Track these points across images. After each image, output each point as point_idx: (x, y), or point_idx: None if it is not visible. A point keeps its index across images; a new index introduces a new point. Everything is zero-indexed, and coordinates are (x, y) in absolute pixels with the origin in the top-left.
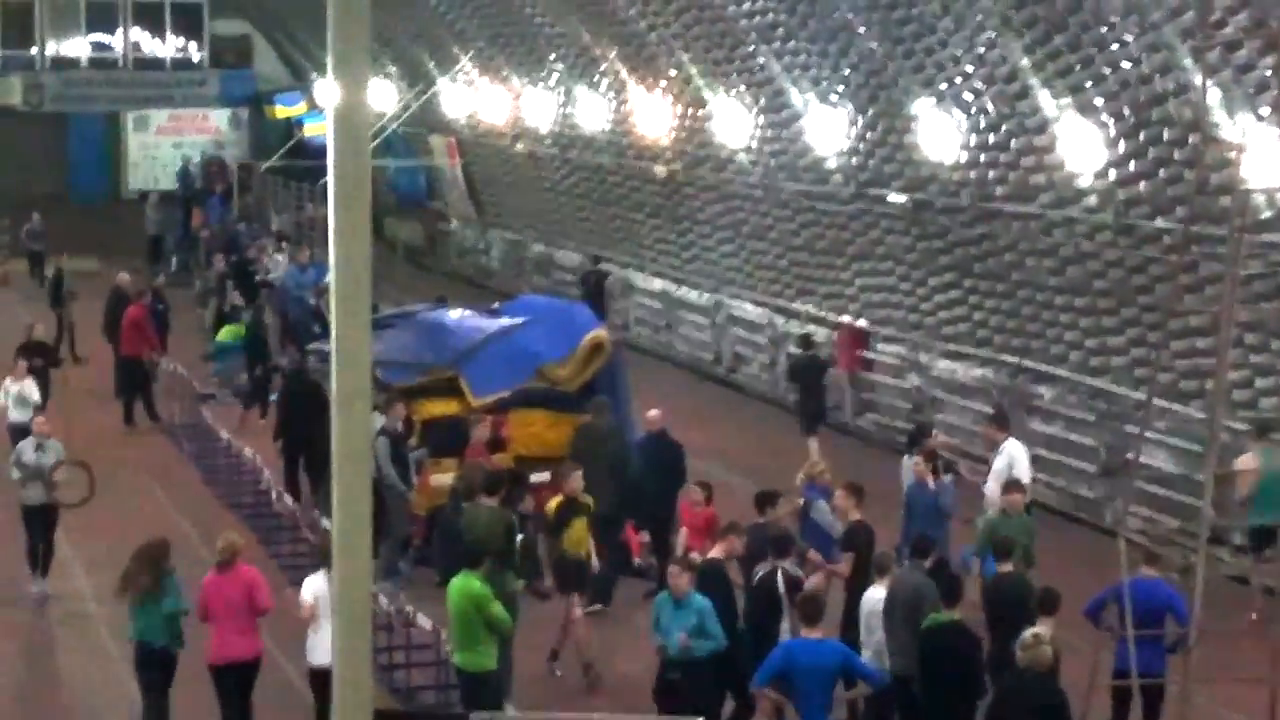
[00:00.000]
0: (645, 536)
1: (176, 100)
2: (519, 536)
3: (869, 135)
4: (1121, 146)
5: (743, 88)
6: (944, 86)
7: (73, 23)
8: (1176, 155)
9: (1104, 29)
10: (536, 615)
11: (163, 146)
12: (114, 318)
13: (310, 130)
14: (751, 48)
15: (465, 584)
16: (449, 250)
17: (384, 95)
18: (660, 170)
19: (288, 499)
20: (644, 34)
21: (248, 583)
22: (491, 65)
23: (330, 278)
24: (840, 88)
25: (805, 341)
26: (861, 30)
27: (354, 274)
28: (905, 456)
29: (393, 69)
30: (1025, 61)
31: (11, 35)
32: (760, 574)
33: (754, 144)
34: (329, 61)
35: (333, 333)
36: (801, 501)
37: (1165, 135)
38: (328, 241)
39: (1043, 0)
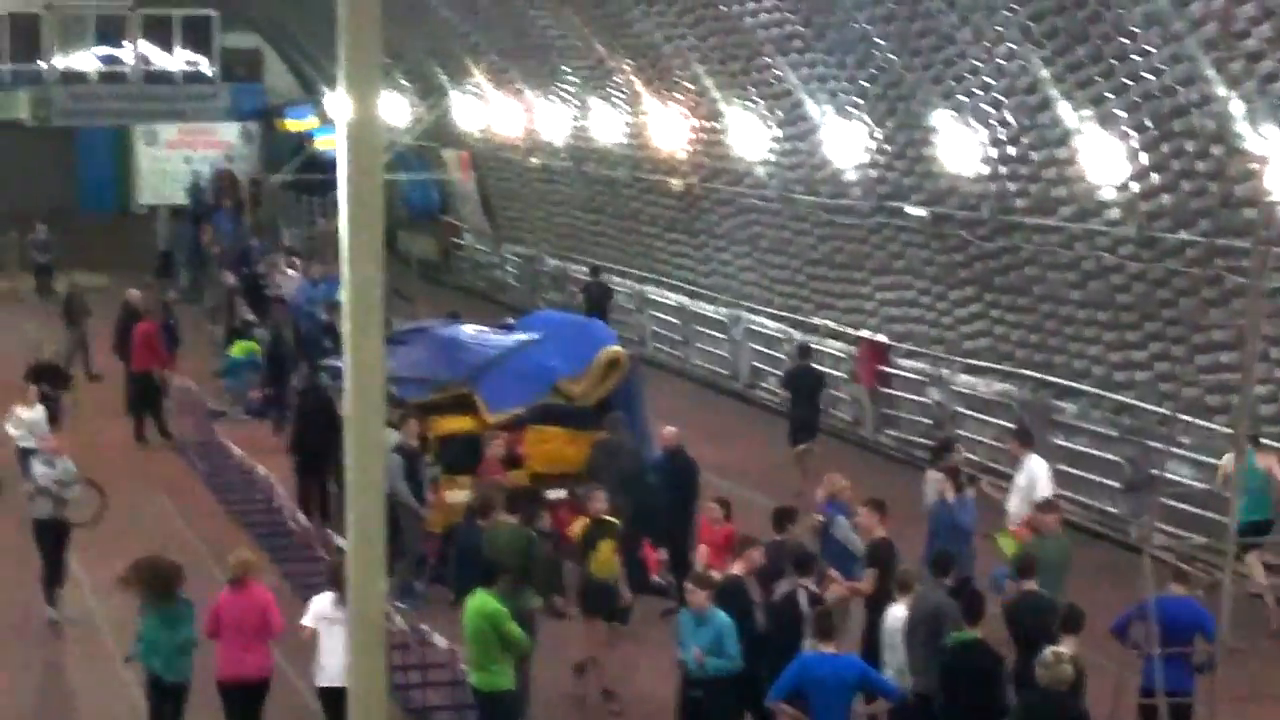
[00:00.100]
0: (663, 554)
1: (186, 114)
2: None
3: (888, 148)
4: (1144, 159)
5: (759, 100)
6: (964, 98)
7: (81, 36)
8: (1200, 167)
9: (1126, 40)
10: (555, 634)
11: (173, 161)
12: (124, 334)
13: (322, 144)
14: (768, 59)
15: (481, 602)
16: (463, 265)
17: (396, 109)
18: (676, 183)
19: (301, 517)
20: (659, 45)
21: (261, 603)
22: (504, 78)
23: (342, 293)
24: (858, 100)
25: (802, 351)
26: (879, 41)
27: (366, 289)
28: (929, 470)
29: (405, 82)
30: (1046, 73)
31: (19, 49)
32: (783, 592)
33: (771, 157)
34: (340, 75)
35: (345, 348)
36: (821, 519)
37: (1188, 147)
38: (339, 256)
39: (1063, 10)
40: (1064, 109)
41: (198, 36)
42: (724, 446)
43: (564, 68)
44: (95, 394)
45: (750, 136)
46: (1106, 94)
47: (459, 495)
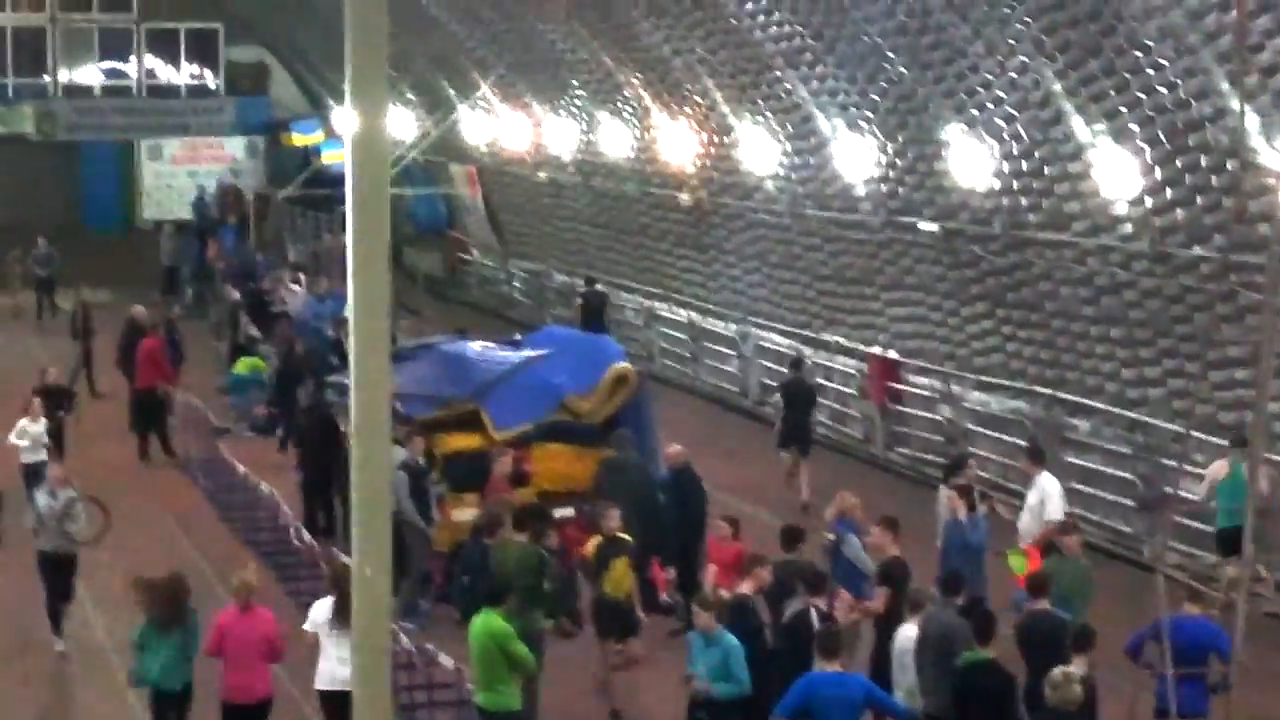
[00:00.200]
0: (671, 573)
1: (191, 128)
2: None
3: (899, 162)
4: (1158, 173)
5: (769, 114)
6: (975, 112)
7: (85, 50)
8: (1214, 182)
9: (1139, 53)
10: (563, 654)
11: (178, 175)
12: (129, 350)
13: (328, 158)
14: (778, 73)
15: (487, 621)
16: (469, 280)
17: (403, 123)
18: (685, 198)
19: (306, 535)
20: (668, 59)
21: (265, 628)
22: (512, 92)
23: (348, 309)
24: (869, 114)
25: (794, 364)
26: (891, 55)
27: (372, 305)
28: (941, 487)
29: (411, 96)
30: (1058, 86)
31: (24, 62)
32: (794, 611)
33: (781, 171)
34: (347, 88)
35: (351, 365)
36: (832, 537)
37: (1202, 161)
38: (346, 272)
39: (1077, 24)
40: (1077, 123)
41: (203, 50)
42: (733, 464)
43: (572, 81)
44: (99, 411)
45: (760, 151)
46: (1120, 108)
47: (466, 513)
